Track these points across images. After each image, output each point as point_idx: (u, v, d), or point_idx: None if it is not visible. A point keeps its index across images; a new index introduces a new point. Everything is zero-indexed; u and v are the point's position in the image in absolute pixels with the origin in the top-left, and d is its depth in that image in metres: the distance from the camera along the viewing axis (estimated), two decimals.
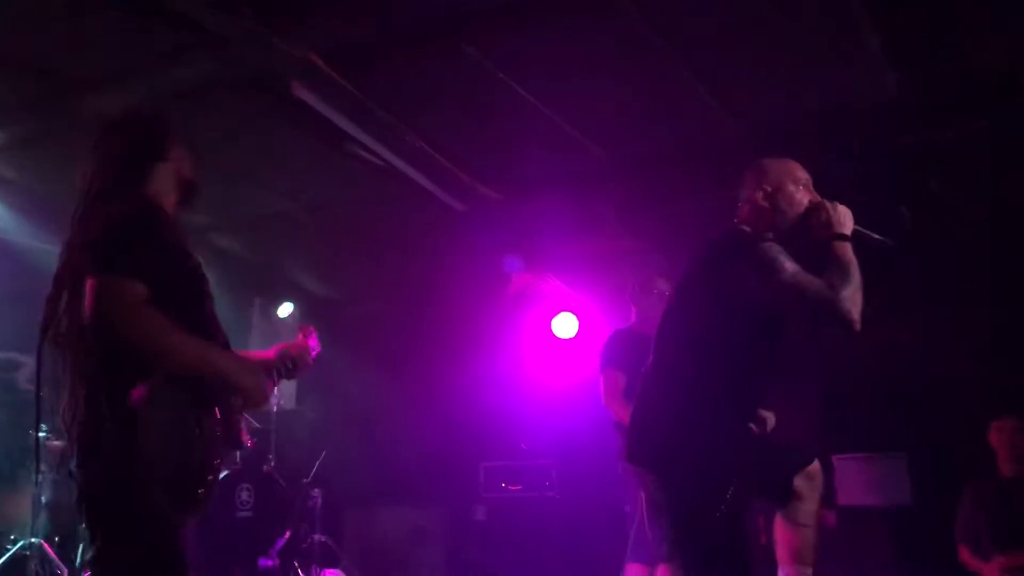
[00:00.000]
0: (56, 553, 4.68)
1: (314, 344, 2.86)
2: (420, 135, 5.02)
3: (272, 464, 5.65)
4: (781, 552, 2.90)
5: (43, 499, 4.87)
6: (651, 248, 6.07)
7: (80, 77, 4.32)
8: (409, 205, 5.75)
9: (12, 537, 4.81)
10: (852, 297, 2.55)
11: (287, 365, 2.74)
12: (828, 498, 5.44)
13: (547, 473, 6.48)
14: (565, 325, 6.78)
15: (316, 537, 5.46)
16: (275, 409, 5.94)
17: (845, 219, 2.72)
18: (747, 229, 2.83)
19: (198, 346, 2.21)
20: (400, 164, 5.06)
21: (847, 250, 2.65)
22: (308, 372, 2.81)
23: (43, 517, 4.85)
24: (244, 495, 5.27)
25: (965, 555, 4.79)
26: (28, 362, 5.53)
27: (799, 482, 2.87)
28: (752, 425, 2.74)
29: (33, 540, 4.69)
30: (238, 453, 5.38)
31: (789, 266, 2.59)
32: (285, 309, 7.31)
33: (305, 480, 5.79)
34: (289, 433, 6.22)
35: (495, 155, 5.38)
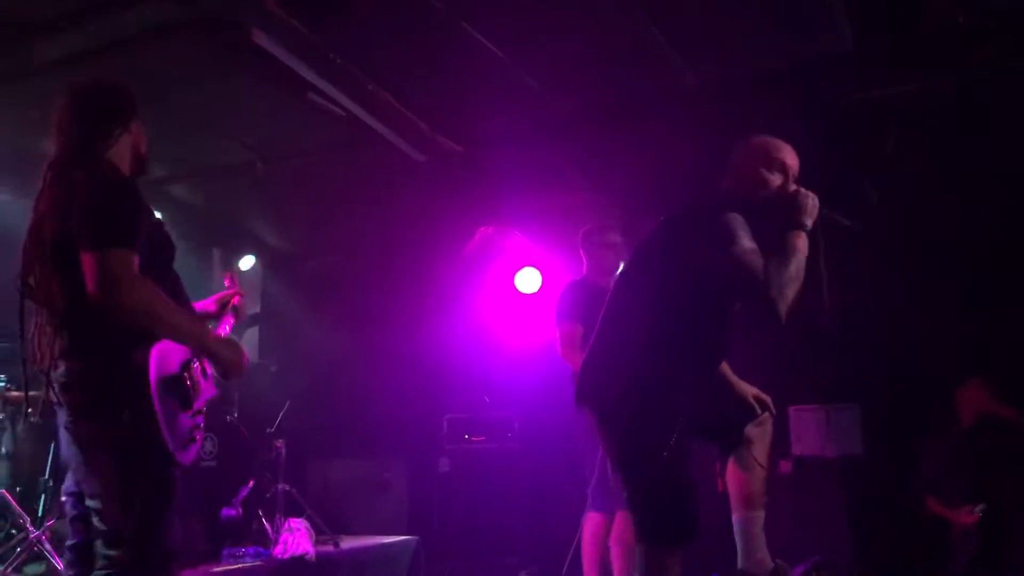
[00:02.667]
0: (17, 502, 4.66)
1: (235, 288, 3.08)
2: (382, 85, 4.98)
3: (235, 415, 5.66)
4: (733, 498, 2.99)
5: (3, 449, 4.85)
6: (613, 202, 6.11)
7: (34, 20, 4.21)
8: (370, 156, 5.72)
9: None
10: (784, 290, 2.56)
11: (233, 311, 2.99)
12: (783, 447, 5.60)
13: (509, 425, 6.56)
14: (528, 280, 6.81)
15: (280, 487, 5.49)
16: None
17: (811, 209, 2.70)
18: (720, 203, 2.80)
19: (191, 322, 2.48)
20: (361, 114, 5.02)
21: (800, 240, 2.65)
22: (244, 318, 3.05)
23: (3, 467, 4.83)
24: (208, 445, 5.27)
25: (934, 505, 5.00)
26: None
27: (750, 428, 2.96)
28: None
29: None
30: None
31: (746, 243, 2.59)
32: (247, 262, 7.27)
33: (269, 431, 5.81)
34: (252, 385, 6.21)
35: (457, 106, 5.36)
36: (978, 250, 5.38)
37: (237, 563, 4.65)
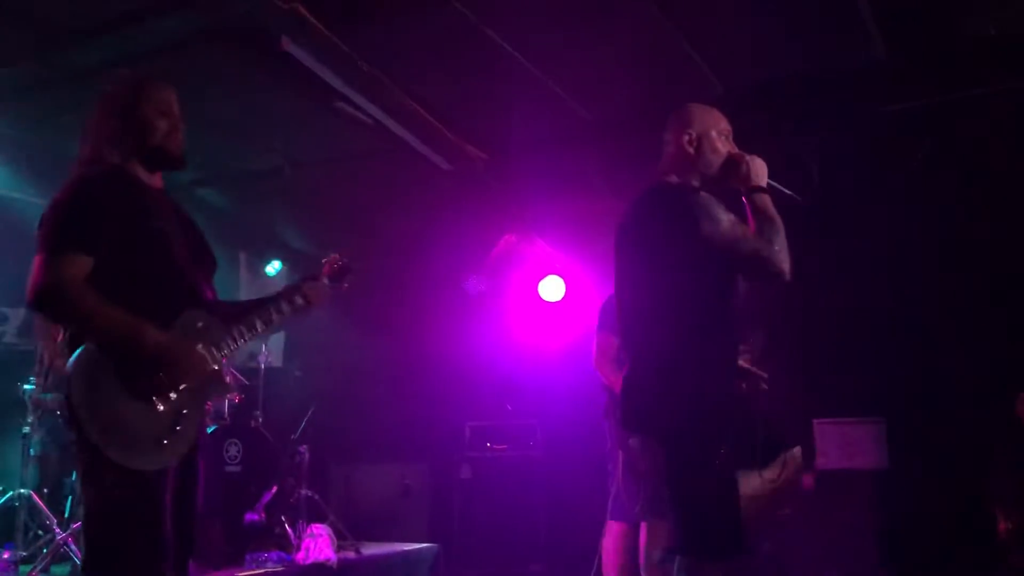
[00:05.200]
0: (45, 504, 4.72)
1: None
2: (408, 92, 5.01)
3: (260, 420, 5.69)
4: None
5: (31, 451, 4.90)
6: None
7: (73, 27, 4.27)
8: (396, 163, 5.75)
9: (1, 488, 4.86)
10: (783, 249, 2.58)
11: (294, 301, 2.81)
12: (807, 462, 5.54)
13: (532, 433, 6.55)
14: (552, 289, 6.80)
15: (303, 492, 5.51)
16: (262, 367, 5.97)
17: (762, 172, 2.72)
18: (673, 180, 2.77)
19: (126, 326, 2.24)
20: (387, 121, 5.05)
21: (768, 202, 2.66)
22: (319, 308, 2.91)
23: (31, 469, 4.89)
24: (233, 450, 5.31)
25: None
26: (14, 316, 5.54)
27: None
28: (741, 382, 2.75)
29: (22, 491, 4.72)
30: (226, 409, 5.42)
31: (725, 217, 2.58)
32: (273, 267, 7.32)
33: (292, 436, 5.84)
34: (276, 390, 6.24)
35: (482, 114, 5.37)
36: (1009, 260, 5.30)
37: (260, 568, 4.67)
